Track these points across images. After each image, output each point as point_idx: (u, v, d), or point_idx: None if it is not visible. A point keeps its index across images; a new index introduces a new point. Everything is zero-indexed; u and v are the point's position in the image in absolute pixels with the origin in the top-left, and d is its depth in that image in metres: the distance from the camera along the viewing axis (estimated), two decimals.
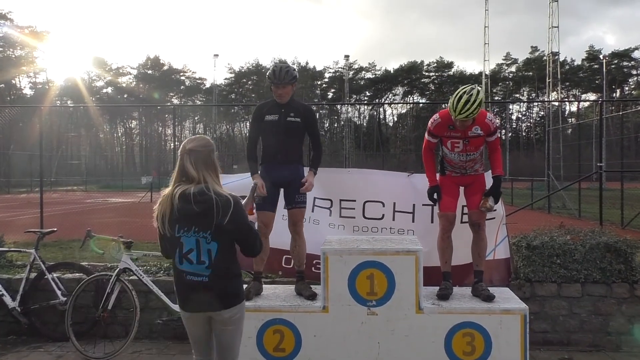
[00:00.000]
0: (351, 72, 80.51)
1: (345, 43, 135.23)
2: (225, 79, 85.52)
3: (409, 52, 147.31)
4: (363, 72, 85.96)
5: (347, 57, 74.57)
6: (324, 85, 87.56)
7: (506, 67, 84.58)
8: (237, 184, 5.35)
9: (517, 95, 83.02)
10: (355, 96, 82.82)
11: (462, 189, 4.84)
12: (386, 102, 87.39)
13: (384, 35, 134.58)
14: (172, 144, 71.34)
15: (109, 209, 23.70)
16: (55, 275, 5.58)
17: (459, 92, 4.34)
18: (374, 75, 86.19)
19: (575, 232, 5.50)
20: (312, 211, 5.56)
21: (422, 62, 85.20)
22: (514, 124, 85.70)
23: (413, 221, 5.46)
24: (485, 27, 56.38)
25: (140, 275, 5.13)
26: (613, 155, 20.36)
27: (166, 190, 2.95)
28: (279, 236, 4.92)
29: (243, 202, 3.11)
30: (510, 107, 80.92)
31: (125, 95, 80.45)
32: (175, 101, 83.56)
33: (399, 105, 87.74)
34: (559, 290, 5.18)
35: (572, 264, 5.16)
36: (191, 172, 2.89)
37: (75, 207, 24.40)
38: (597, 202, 10.58)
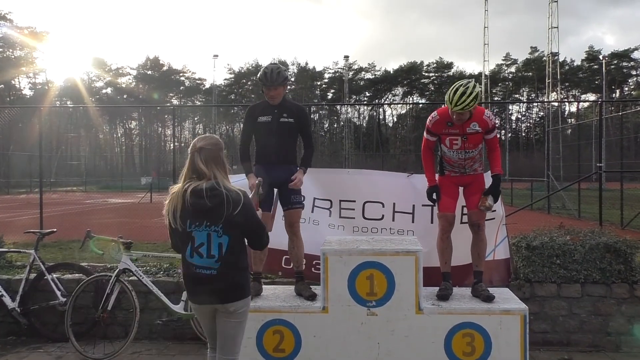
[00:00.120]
0: (351, 73, 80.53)
1: (345, 43, 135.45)
2: (225, 79, 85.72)
3: (409, 52, 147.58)
4: (363, 72, 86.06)
5: (346, 57, 74.54)
6: (324, 85, 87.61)
7: (506, 68, 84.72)
8: (238, 184, 5.34)
9: (517, 95, 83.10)
10: (354, 96, 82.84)
11: (461, 189, 4.83)
12: (386, 102, 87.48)
13: (384, 36, 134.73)
14: (171, 145, 71.42)
15: (108, 210, 23.70)
16: (54, 275, 5.58)
17: (455, 85, 4.39)
18: (373, 76, 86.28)
19: (575, 232, 5.50)
20: (312, 212, 5.56)
21: (422, 62, 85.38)
22: (513, 124, 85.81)
23: (413, 222, 5.46)
24: (485, 27, 56.46)
25: (140, 275, 5.13)
26: (613, 155, 20.36)
27: (176, 187, 3.08)
28: (279, 237, 4.91)
29: None
30: (510, 107, 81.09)
31: (124, 96, 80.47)
32: (175, 102, 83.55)
33: (399, 105, 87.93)
34: (558, 291, 5.19)
35: (572, 264, 5.16)
36: (202, 168, 3.01)
37: (74, 208, 24.40)
38: (597, 203, 10.57)
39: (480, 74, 60.01)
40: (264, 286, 4.82)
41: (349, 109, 75.71)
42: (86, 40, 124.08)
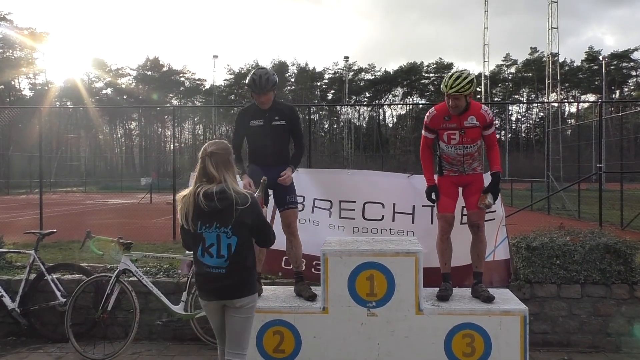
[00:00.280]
0: (351, 73, 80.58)
1: (344, 44, 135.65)
2: (225, 80, 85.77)
3: (409, 52, 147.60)
4: (363, 73, 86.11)
5: (346, 58, 74.71)
6: (324, 86, 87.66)
7: (506, 68, 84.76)
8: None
9: (517, 96, 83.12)
10: (354, 97, 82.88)
11: (461, 190, 4.83)
12: (386, 103, 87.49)
13: (384, 36, 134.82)
14: (171, 145, 71.36)
15: (108, 210, 23.71)
16: (54, 276, 5.58)
17: (450, 72, 4.54)
18: (373, 76, 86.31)
19: (575, 233, 5.50)
20: (312, 212, 5.56)
21: (422, 63, 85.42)
22: (513, 125, 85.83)
23: (413, 222, 5.46)
24: (485, 28, 56.50)
25: (140, 276, 5.13)
26: (612, 156, 20.38)
27: (187, 190, 3.25)
28: (278, 237, 4.91)
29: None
30: (510, 108, 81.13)
31: (124, 97, 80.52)
32: (175, 102, 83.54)
33: (399, 106, 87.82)
34: (558, 291, 5.18)
35: (572, 265, 5.16)
36: (213, 172, 3.19)
37: (74, 208, 24.41)
38: (597, 203, 10.58)
39: (480, 74, 60.10)
40: (264, 287, 4.82)
41: (349, 110, 75.76)
42: (86, 40, 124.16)
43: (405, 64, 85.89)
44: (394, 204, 5.49)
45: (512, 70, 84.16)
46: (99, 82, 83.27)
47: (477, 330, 4.14)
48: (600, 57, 68.28)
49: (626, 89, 79.23)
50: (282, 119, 4.61)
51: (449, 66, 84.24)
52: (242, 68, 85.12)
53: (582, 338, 5.17)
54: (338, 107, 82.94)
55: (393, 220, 5.49)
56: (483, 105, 4.67)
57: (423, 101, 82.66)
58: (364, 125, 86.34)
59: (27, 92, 74.45)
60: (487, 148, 4.71)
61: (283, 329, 4.24)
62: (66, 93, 73.46)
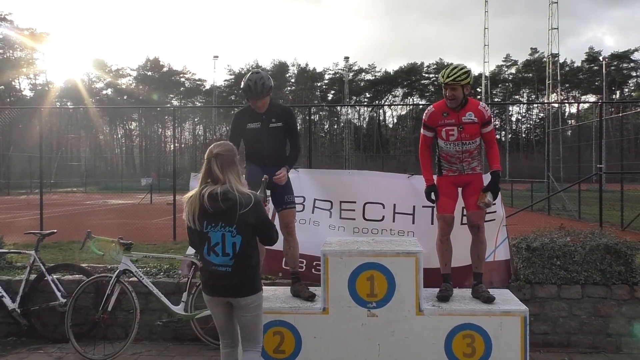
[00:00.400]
0: (351, 74, 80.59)
1: (345, 44, 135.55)
2: (225, 80, 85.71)
3: (409, 53, 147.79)
4: (363, 73, 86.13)
5: (347, 58, 74.62)
6: (324, 86, 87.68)
7: (506, 69, 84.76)
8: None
9: (517, 96, 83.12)
10: (355, 97, 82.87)
11: (460, 191, 4.81)
12: (386, 103, 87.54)
13: (384, 36, 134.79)
14: (171, 146, 71.38)
15: (108, 211, 23.72)
16: (55, 276, 5.58)
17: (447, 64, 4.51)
18: (373, 77, 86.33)
19: (575, 233, 5.50)
20: (312, 212, 5.57)
21: (422, 63, 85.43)
22: (513, 125, 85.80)
23: (413, 223, 5.46)
24: (485, 28, 56.40)
25: (140, 276, 5.13)
26: (613, 156, 20.36)
27: (193, 191, 3.35)
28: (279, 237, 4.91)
29: None
30: (510, 108, 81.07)
31: (125, 97, 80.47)
32: (175, 103, 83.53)
33: (399, 106, 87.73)
34: (559, 292, 5.18)
35: (572, 265, 5.16)
36: (217, 173, 3.29)
37: (75, 209, 24.41)
38: (597, 204, 10.58)
39: (480, 75, 60.05)
40: (264, 287, 4.79)
41: (349, 110, 75.77)
42: (86, 41, 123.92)
43: (405, 65, 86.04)
44: (394, 205, 5.50)
45: (513, 70, 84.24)
46: (99, 83, 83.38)
47: (477, 330, 4.14)
48: (601, 58, 68.33)
49: (626, 90, 79.23)
50: (278, 121, 4.61)
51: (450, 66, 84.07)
52: (242, 68, 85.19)
53: (583, 338, 5.17)
54: (338, 108, 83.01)
55: (393, 221, 5.49)
56: (481, 102, 4.69)
57: (423, 102, 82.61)
58: (364, 126, 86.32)
59: (27, 93, 74.60)
60: (486, 146, 4.70)
61: (283, 330, 4.24)
62: (66, 93, 73.47)
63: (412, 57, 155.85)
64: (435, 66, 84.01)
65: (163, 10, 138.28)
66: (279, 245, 4.74)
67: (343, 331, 4.19)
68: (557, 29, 44.59)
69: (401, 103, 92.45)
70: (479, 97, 57.46)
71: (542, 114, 76.59)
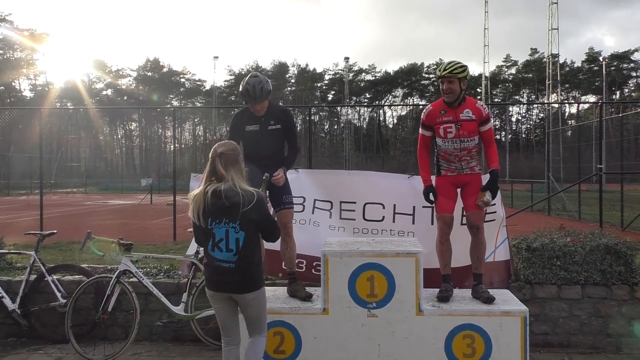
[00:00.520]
0: (351, 74, 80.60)
1: (344, 45, 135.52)
2: (225, 80, 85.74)
3: (409, 53, 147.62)
4: (363, 74, 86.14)
5: (347, 59, 74.64)
6: (324, 87, 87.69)
7: (506, 69, 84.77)
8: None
9: (517, 97, 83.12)
10: (355, 98, 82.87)
11: (459, 192, 4.80)
12: (386, 104, 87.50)
13: (384, 37, 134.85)
14: (172, 146, 71.42)
15: (108, 211, 23.71)
16: (55, 277, 5.58)
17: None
18: (373, 77, 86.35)
19: (575, 234, 5.50)
20: (312, 213, 5.57)
21: (422, 64, 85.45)
22: (513, 125, 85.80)
23: (413, 223, 5.46)
24: (485, 29, 56.36)
25: (140, 277, 5.13)
26: (613, 157, 20.36)
27: (198, 189, 3.47)
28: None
29: None
30: (510, 109, 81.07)
31: (125, 97, 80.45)
32: (175, 103, 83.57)
33: (399, 107, 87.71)
34: (559, 292, 5.18)
35: (572, 265, 5.16)
36: (222, 172, 3.41)
37: (75, 209, 24.41)
38: (597, 204, 10.59)
39: (480, 75, 60.06)
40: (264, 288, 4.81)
41: (349, 111, 75.77)
42: (86, 41, 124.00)
43: (405, 65, 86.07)
44: (395, 205, 5.50)
45: (513, 71, 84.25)
46: (99, 83, 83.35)
47: (477, 331, 4.14)
48: (601, 58, 68.29)
49: (626, 90, 79.22)
50: (277, 123, 4.62)
51: None
52: (242, 69, 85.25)
53: (583, 339, 5.17)
54: (338, 108, 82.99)
55: (393, 221, 5.49)
56: (479, 101, 4.71)
57: (423, 102, 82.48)
58: (364, 126, 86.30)
59: (27, 93, 74.61)
60: (484, 145, 4.70)
61: (283, 330, 4.25)
62: (66, 94, 73.47)
63: (412, 57, 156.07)
64: (435, 66, 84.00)
65: (163, 10, 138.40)
66: (279, 246, 4.76)
67: (343, 331, 4.19)
68: (557, 29, 44.56)
69: (401, 103, 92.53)
70: (479, 97, 57.47)
71: (542, 115, 76.60)
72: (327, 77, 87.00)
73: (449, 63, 4.58)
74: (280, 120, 4.63)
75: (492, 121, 4.77)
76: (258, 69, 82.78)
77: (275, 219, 4.75)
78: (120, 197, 35.46)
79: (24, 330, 5.49)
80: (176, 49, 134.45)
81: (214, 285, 3.50)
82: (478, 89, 58.56)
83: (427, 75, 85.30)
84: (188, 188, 5.88)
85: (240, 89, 4.59)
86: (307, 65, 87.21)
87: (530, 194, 23.01)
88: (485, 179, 4.70)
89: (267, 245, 4.69)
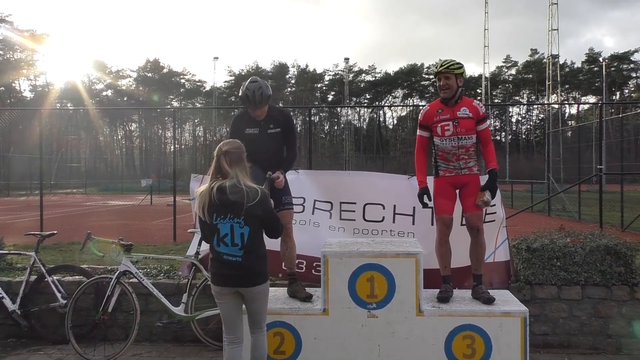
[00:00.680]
0: (351, 75, 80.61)
1: (344, 45, 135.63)
2: (225, 81, 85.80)
3: (409, 54, 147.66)
4: (363, 74, 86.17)
5: (347, 59, 74.65)
6: (324, 87, 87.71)
7: (506, 70, 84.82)
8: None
9: (517, 97, 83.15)
10: (355, 99, 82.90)
11: (458, 193, 4.79)
12: (386, 104, 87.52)
13: (384, 37, 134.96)
14: (172, 147, 71.40)
15: (108, 212, 23.71)
16: (55, 277, 5.58)
17: None
18: (373, 78, 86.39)
19: (575, 234, 5.50)
20: (313, 214, 5.57)
21: (422, 64, 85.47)
22: (513, 126, 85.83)
23: (413, 223, 5.46)
24: (485, 29, 56.40)
25: (141, 277, 5.13)
26: (613, 157, 20.38)
27: (204, 186, 3.59)
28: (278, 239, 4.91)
29: None
30: (510, 109, 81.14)
31: (125, 98, 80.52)
32: (175, 104, 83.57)
33: (399, 107, 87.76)
34: (559, 293, 5.18)
35: (572, 266, 5.16)
36: (227, 169, 3.53)
37: (75, 210, 24.41)
38: (597, 205, 10.60)
39: (480, 76, 60.11)
40: None
41: (350, 111, 75.79)
42: (86, 42, 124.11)
43: (405, 66, 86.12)
44: (395, 206, 5.50)
45: (513, 71, 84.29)
46: (99, 84, 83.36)
47: (477, 331, 4.14)
48: (601, 59, 68.26)
49: (626, 91, 79.25)
50: (277, 127, 4.63)
51: None
52: (242, 70, 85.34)
53: (583, 339, 5.17)
54: (338, 109, 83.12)
55: (393, 222, 5.49)
56: (475, 100, 4.75)
57: (423, 103, 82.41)
58: (365, 127, 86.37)
59: (27, 94, 74.58)
60: (481, 145, 4.70)
61: (283, 331, 4.25)
62: (66, 95, 73.49)
63: (412, 58, 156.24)
64: (435, 67, 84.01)
65: (163, 11, 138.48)
66: (278, 247, 4.77)
67: (343, 332, 4.20)
68: (557, 30, 44.58)
69: (401, 104, 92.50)
70: (479, 97, 57.51)
71: (542, 115, 76.67)
72: (327, 77, 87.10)
73: (445, 60, 4.67)
74: (279, 123, 4.64)
75: (488, 121, 4.79)
76: (258, 70, 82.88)
77: None
78: (120, 198, 35.47)
79: (24, 331, 5.48)
80: (176, 49, 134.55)
81: (221, 279, 3.56)
82: (478, 90, 58.63)
83: (427, 76, 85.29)
84: (188, 189, 5.89)
85: (240, 94, 4.58)
86: (307, 65, 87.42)
87: (530, 195, 22.99)
88: (483, 179, 4.70)
89: (267, 245, 4.69)
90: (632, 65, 77.34)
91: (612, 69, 73.34)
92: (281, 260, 5.00)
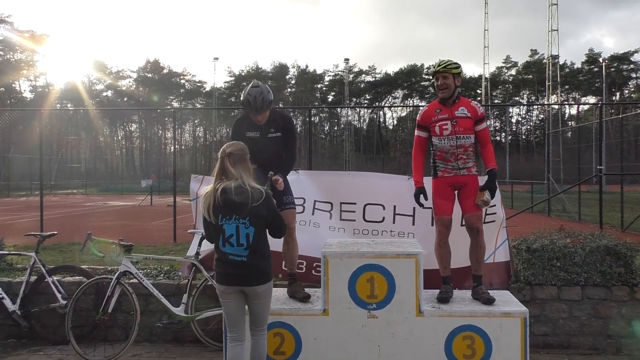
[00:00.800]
0: (351, 75, 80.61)
1: (344, 46, 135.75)
2: (225, 82, 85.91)
3: (408, 54, 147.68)
4: (363, 75, 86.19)
5: (347, 60, 74.71)
6: (324, 88, 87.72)
7: (506, 70, 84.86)
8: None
9: (517, 98, 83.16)
10: (355, 99, 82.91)
11: (457, 194, 4.78)
12: (386, 105, 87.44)
13: (384, 38, 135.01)
14: (172, 147, 71.39)
15: (109, 212, 23.71)
16: (55, 278, 5.58)
17: None
18: (373, 79, 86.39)
19: (575, 235, 5.50)
20: (313, 214, 5.57)
21: (422, 65, 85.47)
22: (513, 127, 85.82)
23: (413, 224, 5.46)
24: (485, 30, 56.39)
25: (141, 278, 5.13)
26: (613, 158, 20.39)
27: (208, 187, 3.63)
28: (277, 239, 4.91)
29: None
30: (510, 110, 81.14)
31: (125, 99, 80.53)
32: (175, 104, 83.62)
33: (399, 108, 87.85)
34: (559, 293, 5.19)
35: (572, 267, 5.16)
36: (231, 170, 3.59)
37: (75, 211, 24.41)
38: (597, 205, 10.60)
39: (480, 76, 60.10)
40: None
41: (350, 112, 75.75)
42: (86, 43, 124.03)
43: (405, 66, 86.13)
44: (395, 206, 5.50)
45: (513, 72, 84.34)
46: (99, 85, 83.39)
47: (477, 332, 4.14)
48: (601, 59, 68.26)
49: (626, 91, 79.26)
50: (277, 131, 4.62)
51: None
52: (243, 70, 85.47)
53: (583, 340, 5.17)
54: (338, 109, 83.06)
55: (393, 222, 5.49)
56: (473, 101, 4.77)
57: (423, 103, 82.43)
58: (365, 128, 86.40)
59: (27, 95, 74.55)
60: (480, 146, 4.70)
61: (283, 331, 4.25)
62: (67, 95, 73.51)
63: (411, 58, 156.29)
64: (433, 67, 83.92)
65: (163, 12, 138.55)
66: (279, 247, 4.77)
67: (343, 332, 4.20)
68: (557, 30, 44.58)
69: (401, 105, 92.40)
70: (479, 98, 57.50)
71: (542, 116, 76.68)
72: (327, 78, 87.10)
73: (442, 60, 4.71)
74: (280, 128, 4.64)
75: (487, 122, 4.79)
76: (258, 70, 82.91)
77: None
78: (120, 199, 35.47)
79: (24, 331, 5.49)
80: (176, 50, 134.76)
81: (226, 279, 3.61)
82: (478, 90, 58.63)
83: (427, 77, 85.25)
84: (188, 189, 5.89)
85: (241, 98, 4.57)
86: (307, 66, 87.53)
87: (530, 195, 22.99)
88: (482, 180, 4.69)
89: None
90: (632, 66, 77.38)
91: (612, 69, 73.34)
92: (281, 260, 5.01)
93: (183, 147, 77.49)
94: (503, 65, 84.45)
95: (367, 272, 4.17)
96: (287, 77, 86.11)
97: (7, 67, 63.91)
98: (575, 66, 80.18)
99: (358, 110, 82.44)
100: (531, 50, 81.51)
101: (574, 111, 76.76)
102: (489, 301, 4.34)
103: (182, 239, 10.38)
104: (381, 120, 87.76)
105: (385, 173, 6.77)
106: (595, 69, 75.41)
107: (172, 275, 5.74)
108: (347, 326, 4.19)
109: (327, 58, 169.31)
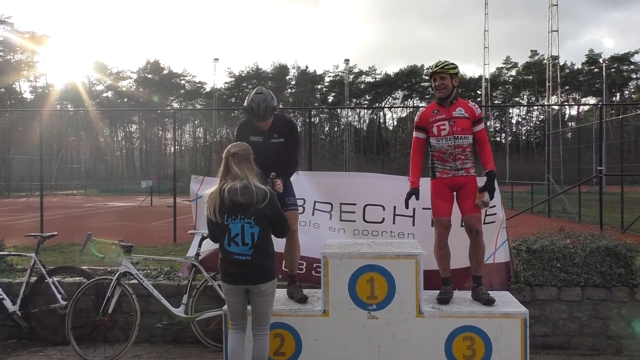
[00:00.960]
0: (351, 76, 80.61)
1: (344, 47, 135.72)
2: (225, 82, 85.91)
3: (408, 55, 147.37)
4: (363, 76, 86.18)
5: (347, 61, 74.80)
6: (324, 89, 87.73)
7: (506, 71, 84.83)
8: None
9: (517, 98, 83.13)
10: (355, 100, 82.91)
11: (455, 195, 4.78)
12: (386, 106, 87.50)
13: (384, 39, 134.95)
14: (172, 148, 71.40)
15: (109, 213, 23.71)
16: (55, 279, 5.58)
17: None
18: (373, 79, 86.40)
19: (575, 235, 5.50)
20: (313, 215, 5.57)
21: (422, 65, 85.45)
22: (514, 127, 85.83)
23: (413, 225, 5.46)
24: (485, 30, 56.37)
25: (141, 279, 5.13)
26: (613, 159, 20.39)
27: (213, 188, 3.70)
28: (279, 240, 4.92)
29: None
30: (510, 110, 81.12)
31: (125, 100, 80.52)
32: (175, 105, 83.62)
33: (399, 109, 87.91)
34: (559, 294, 5.19)
35: (572, 267, 5.16)
36: (236, 170, 3.65)
37: (75, 211, 24.42)
38: (597, 206, 10.62)
39: (480, 77, 60.10)
40: None
41: (350, 113, 75.72)
42: (87, 43, 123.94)
43: (405, 67, 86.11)
44: (395, 207, 5.50)
45: (513, 73, 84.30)
46: (99, 85, 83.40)
47: (477, 332, 4.14)
48: (601, 60, 68.27)
49: (626, 92, 79.26)
50: (280, 137, 4.62)
51: None
52: (243, 71, 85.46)
53: (583, 341, 5.17)
54: (338, 110, 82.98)
55: (393, 223, 5.49)
56: (471, 102, 4.78)
57: (423, 104, 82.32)
58: (365, 128, 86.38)
59: (27, 95, 74.60)
60: (478, 147, 4.70)
61: (283, 332, 4.25)
62: (67, 96, 73.49)
63: (411, 59, 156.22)
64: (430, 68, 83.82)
65: (163, 12, 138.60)
66: (279, 248, 4.77)
67: (343, 333, 4.20)
68: (557, 31, 44.56)
69: (401, 105, 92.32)
70: (479, 99, 57.53)
71: (542, 116, 76.58)
72: (327, 79, 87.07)
73: (440, 61, 4.72)
74: (283, 134, 4.64)
75: (484, 123, 4.80)
76: (258, 71, 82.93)
77: None
78: (120, 199, 35.45)
79: (24, 332, 5.49)
80: (176, 51, 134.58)
81: (231, 278, 3.69)
82: (478, 91, 58.64)
83: (427, 77, 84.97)
84: (188, 190, 5.89)
85: (244, 104, 4.56)
86: (307, 67, 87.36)
87: (530, 196, 22.98)
88: (481, 181, 4.69)
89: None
90: (632, 67, 77.39)
91: (612, 70, 73.34)
92: (281, 261, 5.01)
93: (183, 147, 77.48)
94: (503, 66, 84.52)
95: (367, 272, 4.17)
96: (287, 77, 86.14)
97: (8, 67, 63.89)
98: (576, 67, 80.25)
99: (358, 111, 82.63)
100: (531, 51, 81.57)
101: (574, 112, 76.67)
102: (489, 302, 4.33)
103: (182, 240, 10.39)
104: (381, 121, 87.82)
105: (385, 174, 6.78)
106: (596, 70, 75.39)
107: (172, 276, 5.74)
108: (347, 327, 4.19)
109: (327, 59, 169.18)
